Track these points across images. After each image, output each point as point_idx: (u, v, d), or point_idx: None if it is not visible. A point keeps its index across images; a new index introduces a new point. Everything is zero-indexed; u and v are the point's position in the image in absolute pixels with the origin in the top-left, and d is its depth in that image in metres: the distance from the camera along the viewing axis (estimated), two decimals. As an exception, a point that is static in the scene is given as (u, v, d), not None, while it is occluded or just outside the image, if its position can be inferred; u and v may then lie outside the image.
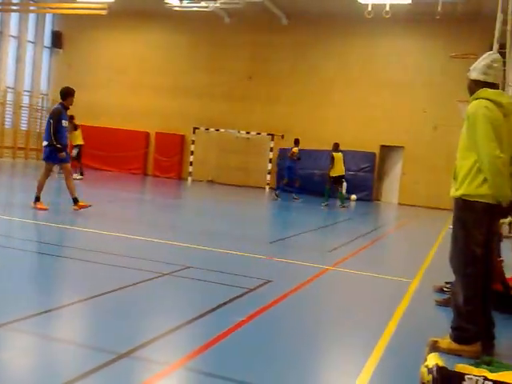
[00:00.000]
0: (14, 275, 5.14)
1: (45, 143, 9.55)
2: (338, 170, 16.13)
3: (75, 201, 9.53)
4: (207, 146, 23.75)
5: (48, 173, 9.67)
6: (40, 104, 26.63)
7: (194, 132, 23.75)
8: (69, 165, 9.83)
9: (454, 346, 4.00)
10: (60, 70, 27.01)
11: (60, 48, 26.86)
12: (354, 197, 20.13)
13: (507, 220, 7.31)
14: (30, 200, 9.49)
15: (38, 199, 9.43)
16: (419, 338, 4.18)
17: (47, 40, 26.81)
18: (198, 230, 9.27)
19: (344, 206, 16.31)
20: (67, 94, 9.69)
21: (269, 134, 22.65)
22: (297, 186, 17.76)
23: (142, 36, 25.54)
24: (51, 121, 9.44)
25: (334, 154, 16.12)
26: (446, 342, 4.02)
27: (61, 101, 9.72)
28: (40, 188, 9.49)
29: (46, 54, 26.98)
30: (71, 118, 19.01)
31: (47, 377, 3.08)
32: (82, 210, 9.48)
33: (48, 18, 26.71)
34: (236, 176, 23.60)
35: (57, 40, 26.69)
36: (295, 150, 17.39)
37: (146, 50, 25.50)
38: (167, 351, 3.63)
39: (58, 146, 9.42)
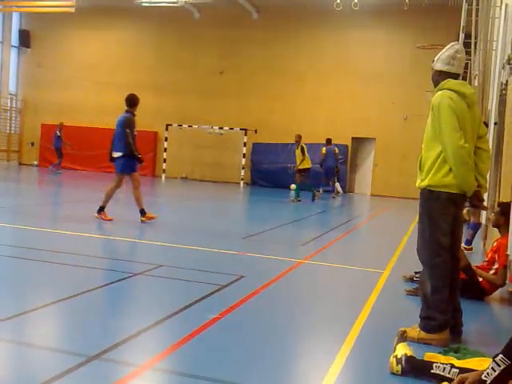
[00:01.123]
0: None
1: (118, 154, 9.03)
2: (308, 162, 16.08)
3: (142, 212, 9.15)
4: (180, 142, 23.65)
5: (120, 184, 9.29)
6: (9, 104, 26.19)
7: (166, 129, 23.62)
8: (137, 174, 9.30)
9: (423, 334, 4.07)
10: (29, 70, 26.60)
11: (28, 47, 26.44)
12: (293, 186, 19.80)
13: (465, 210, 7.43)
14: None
15: (102, 209, 9.08)
16: (390, 327, 4.24)
17: (14, 39, 26.37)
18: (170, 228, 9.24)
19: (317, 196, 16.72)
20: (135, 101, 9.22)
21: (242, 129, 22.65)
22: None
23: (111, 33, 25.28)
24: (127, 130, 8.92)
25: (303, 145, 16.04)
26: (414, 331, 4.09)
27: (126, 109, 9.18)
28: (108, 199, 9.13)
29: (13, 53, 26.54)
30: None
31: (16, 383, 3.06)
32: (149, 221, 9.11)
33: (15, 16, 26.27)
34: (210, 172, 23.60)
35: (24, 39, 26.26)
36: (324, 150, 18.35)
37: (116, 47, 25.25)
38: (139, 352, 3.62)
39: (139, 155, 9.06)
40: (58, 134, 21.32)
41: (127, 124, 8.98)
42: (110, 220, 9.06)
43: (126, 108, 9.20)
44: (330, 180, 19.08)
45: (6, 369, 3.25)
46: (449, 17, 18.92)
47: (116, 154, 9.09)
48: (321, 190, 18.46)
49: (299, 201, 15.77)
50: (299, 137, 15.86)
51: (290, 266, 6.52)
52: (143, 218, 9.13)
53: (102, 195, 9.31)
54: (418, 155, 4.36)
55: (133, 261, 6.24)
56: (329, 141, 18.58)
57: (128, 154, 8.95)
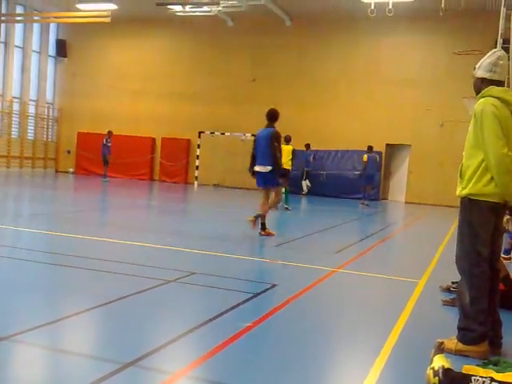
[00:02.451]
0: None
1: (269, 168, 9.01)
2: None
3: (263, 226, 9.18)
4: (213, 149, 23.78)
5: (281, 195, 9.54)
6: (46, 113, 26.78)
7: (199, 136, 23.78)
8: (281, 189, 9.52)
9: (461, 346, 3.97)
10: (65, 79, 27.18)
11: (64, 57, 27.01)
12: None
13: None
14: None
15: (264, 226, 9.14)
16: (426, 338, 4.15)
17: (52, 49, 26.98)
18: (202, 235, 9.26)
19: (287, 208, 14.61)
20: (277, 115, 9.33)
21: (274, 136, 22.59)
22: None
23: (145, 42, 25.65)
24: (275, 144, 8.96)
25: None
26: (452, 342, 3.99)
27: (268, 123, 9.29)
28: (266, 214, 9.22)
29: (50, 63, 27.15)
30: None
31: (52, 388, 3.09)
32: (267, 236, 9.07)
33: (52, 27, 26.90)
34: (242, 179, 23.58)
35: (61, 49, 26.84)
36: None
37: (150, 56, 25.60)
38: (173, 359, 3.62)
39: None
40: (105, 142, 21.63)
41: (275, 138, 9.03)
42: (273, 235, 9.08)
43: (266, 122, 9.33)
44: (367, 188, 18.79)
45: (41, 375, 3.29)
46: (485, 21, 18.59)
47: (264, 169, 9.06)
48: (365, 201, 18.23)
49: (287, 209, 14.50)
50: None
51: (324, 275, 6.45)
52: (263, 232, 9.15)
53: (258, 212, 9.21)
54: (454, 162, 4.29)
55: (166, 268, 6.27)
56: (370, 148, 18.37)
57: (276, 167, 9.02)
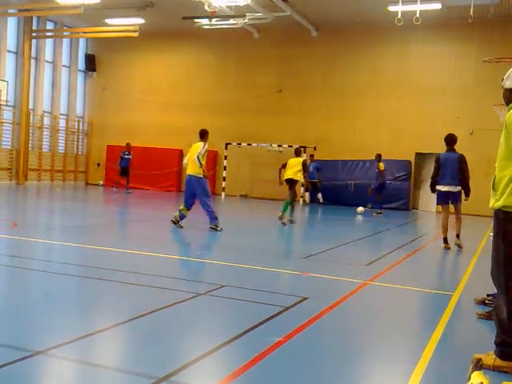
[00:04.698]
0: None
1: (458, 188, 10.26)
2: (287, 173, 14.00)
3: (457, 236, 10.46)
4: (240, 160, 23.86)
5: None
6: (76, 127, 27.23)
7: (226, 147, 23.87)
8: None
9: (499, 362, 3.86)
10: (94, 93, 27.63)
11: (93, 71, 27.47)
12: (361, 209, 18.32)
13: None
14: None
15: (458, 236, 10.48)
16: (462, 354, 4.06)
17: (81, 64, 27.46)
18: (231, 247, 9.26)
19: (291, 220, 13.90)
20: (455, 139, 10.73)
21: (301, 147, 22.54)
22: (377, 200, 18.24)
23: (172, 55, 25.95)
24: (465, 165, 10.30)
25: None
26: (490, 358, 3.89)
27: (448, 148, 10.72)
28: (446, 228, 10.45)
29: (80, 77, 27.63)
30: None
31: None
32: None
33: (81, 42, 27.41)
34: (269, 190, 23.59)
35: (90, 63, 27.31)
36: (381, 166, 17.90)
37: (177, 69, 25.88)
38: (205, 374, 3.60)
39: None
40: (125, 154, 21.91)
41: (465, 160, 10.37)
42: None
43: (447, 147, 10.75)
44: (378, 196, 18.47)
45: (75, 390, 3.30)
46: (515, 28, 18.32)
47: (457, 189, 10.27)
48: (380, 210, 18.16)
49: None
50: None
51: (355, 288, 6.37)
52: (458, 242, 10.40)
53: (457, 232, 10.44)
54: (485, 170, 4.21)
55: (196, 280, 6.27)
56: (380, 156, 18.25)
57: (466, 187, 10.28)
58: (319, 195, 21.37)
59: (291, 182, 13.47)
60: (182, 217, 11.12)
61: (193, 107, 25.31)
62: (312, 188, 21.61)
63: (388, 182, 20.57)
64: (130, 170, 22.11)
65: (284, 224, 13.08)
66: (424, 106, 21.64)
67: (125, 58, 26.75)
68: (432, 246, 11.05)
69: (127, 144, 22.35)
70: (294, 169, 13.40)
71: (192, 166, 10.91)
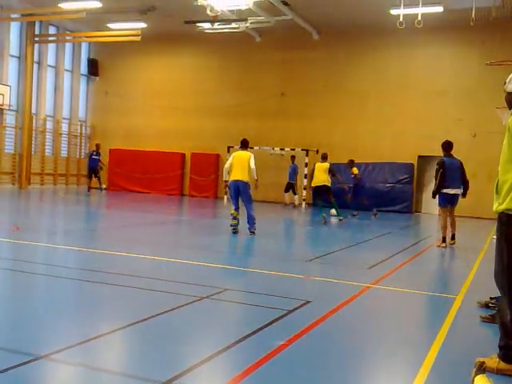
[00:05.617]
0: None
1: (460, 191, 11.20)
2: (316, 180, 15.21)
3: (453, 237, 11.45)
4: (242, 164, 23.82)
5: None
6: (78, 131, 27.27)
7: (228, 151, 23.84)
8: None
9: (503, 365, 3.85)
10: (97, 97, 27.69)
11: (96, 75, 27.52)
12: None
13: None
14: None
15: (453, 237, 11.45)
16: (465, 357, 4.05)
17: (83, 68, 27.51)
18: (233, 251, 9.26)
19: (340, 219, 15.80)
20: (452, 146, 11.37)
21: (303, 150, 22.59)
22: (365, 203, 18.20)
23: (174, 59, 26.01)
24: (464, 170, 11.27)
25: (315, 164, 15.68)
26: (493, 361, 3.88)
27: (445, 153, 11.30)
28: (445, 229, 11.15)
29: (82, 81, 27.69)
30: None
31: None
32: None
33: (84, 46, 27.47)
34: (272, 193, 23.60)
35: (93, 68, 27.36)
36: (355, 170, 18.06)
37: (179, 72, 25.92)
38: (207, 379, 3.61)
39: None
40: (93, 154, 22.47)
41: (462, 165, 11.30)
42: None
43: (445, 153, 11.31)
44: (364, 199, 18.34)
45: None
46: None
47: (459, 192, 11.14)
48: (374, 210, 18.24)
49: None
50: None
51: (358, 291, 6.36)
52: (451, 242, 11.39)
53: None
54: (487, 173, 4.19)
55: (199, 284, 6.27)
56: (352, 161, 18.30)
57: (467, 189, 11.31)
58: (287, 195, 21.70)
59: (323, 189, 15.01)
60: (236, 220, 11.50)
61: (195, 111, 25.35)
62: (287, 189, 21.81)
63: (390, 184, 20.58)
64: (98, 170, 22.56)
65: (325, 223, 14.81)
66: (426, 108, 21.63)
67: (127, 62, 26.80)
68: (435, 249, 11.02)
69: (96, 144, 23.00)
70: (324, 175, 14.83)
71: (243, 172, 11.66)
